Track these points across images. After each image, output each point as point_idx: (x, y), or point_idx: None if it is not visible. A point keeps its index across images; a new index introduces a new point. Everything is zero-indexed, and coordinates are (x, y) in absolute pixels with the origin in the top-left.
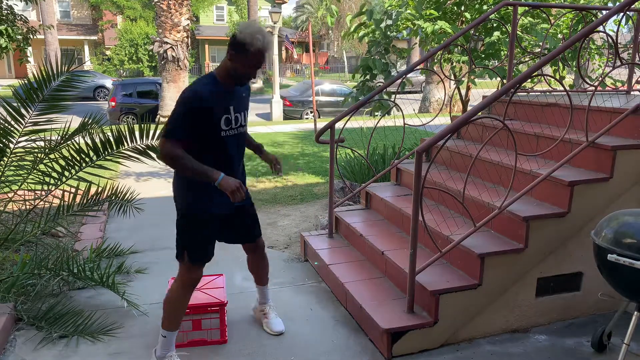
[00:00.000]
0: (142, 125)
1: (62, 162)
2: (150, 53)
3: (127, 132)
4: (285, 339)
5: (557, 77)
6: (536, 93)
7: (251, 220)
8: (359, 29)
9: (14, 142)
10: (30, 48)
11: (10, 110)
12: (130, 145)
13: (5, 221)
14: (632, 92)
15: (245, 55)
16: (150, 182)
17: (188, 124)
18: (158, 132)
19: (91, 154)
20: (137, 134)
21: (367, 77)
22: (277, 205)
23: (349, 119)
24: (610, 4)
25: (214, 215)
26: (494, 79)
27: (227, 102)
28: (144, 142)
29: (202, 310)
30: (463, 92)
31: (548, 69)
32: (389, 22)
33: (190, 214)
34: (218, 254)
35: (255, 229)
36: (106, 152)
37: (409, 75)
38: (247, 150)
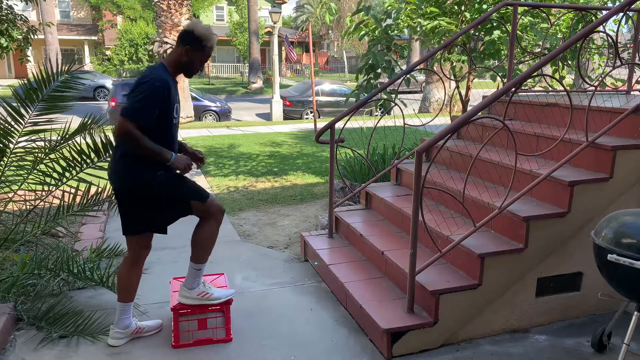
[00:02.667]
0: None
1: (63, 163)
2: (150, 53)
3: None
4: (285, 339)
5: (557, 77)
6: (536, 93)
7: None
8: (359, 27)
9: (14, 142)
10: (30, 48)
11: (10, 110)
12: None
13: (5, 221)
14: (632, 92)
15: (202, 50)
16: None
17: (153, 109)
18: None
19: (92, 155)
20: None
21: (371, 75)
22: (277, 205)
23: (349, 119)
24: (610, 4)
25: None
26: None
27: (175, 93)
28: None
29: (206, 310)
30: (463, 92)
31: (548, 69)
32: (389, 21)
33: (144, 188)
34: (218, 254)
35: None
36: (107, 154)
37: (412, 74)
38: (247, 150)
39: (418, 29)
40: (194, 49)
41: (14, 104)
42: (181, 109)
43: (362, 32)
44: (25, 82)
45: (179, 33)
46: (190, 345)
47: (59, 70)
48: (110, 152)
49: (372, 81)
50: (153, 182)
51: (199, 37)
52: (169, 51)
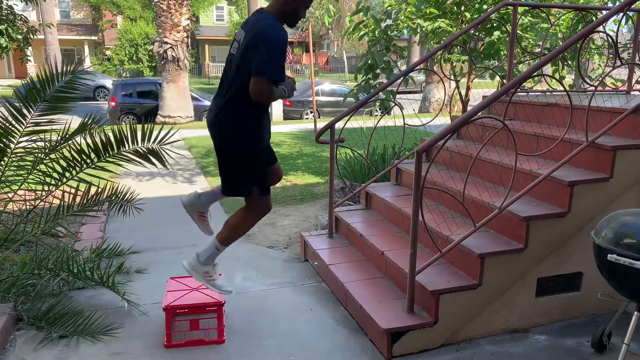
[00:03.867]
0: (144, 127)
1: (63, 163)
2: (150, 53)
3: (128, 134)
4: (285, 339)
5: (557, 77)
6: (536, 93)
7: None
8: (358, 28)
9: (15, 142)
10: (30, 48)
11: (12, 110)
12: (131, 147)
13: (5, 221)
14: (632, 92)
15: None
16: (150, 182)
17: (284, 62)
18: (161, 136)
19: (92, 155)
20: (139, 134)
21: (370, 75)
22: (277, 205)
23: (349, 119)
24: (610, 4)
25: (267, 152)
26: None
27: None
28: (145, 145)
29: (199, 310)
30: (463, 92)
31: (548, 69)
32: (389, 21)
33: (253, 151)
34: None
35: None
36: (107, 154)
37: (411, 75)
38: None
39: (418, 30)
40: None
41: (16, 104)
42: (181, 109)
43: (362, 32)
44: (28, 82)
45: None
46: (182, 345)
47: (63, 70)
48: (111, 152)
49: (370, 81)
50: (254, 142)
51: None
52: (168, 51)
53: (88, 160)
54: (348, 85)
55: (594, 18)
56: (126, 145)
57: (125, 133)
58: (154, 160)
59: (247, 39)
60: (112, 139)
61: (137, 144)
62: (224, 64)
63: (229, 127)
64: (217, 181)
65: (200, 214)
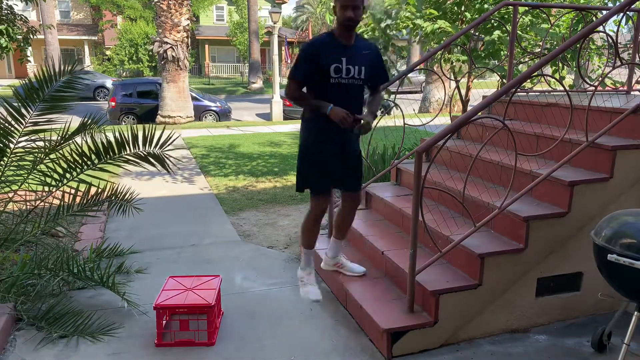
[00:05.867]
0: (145, 129)
1: (64, 165)
2: (150, 53)
3: (129, 136)
4: (285, 339)
5: (557, 77)
6: (536, 93)
7: (353, 171)
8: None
9: (14, 142)
10: (30, 48)
11: (11, 110)
12: (132, 151)
13: (5, 221)
14: (632, 92)
15: (336, 1)
16: (150, 181)
17: (304, 66)
18: (162, 139)
19: (93, 157)
20: (139, 134)
21: None
22: (277, 205)
23: None
24: (610, 4)
25: (323, 156)
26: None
27: (339, 53)
28: (147, 149)
29: (188, 311)
30: (463, 92)
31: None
32: (389, 21)
33: (305, 153)
34: (218, 254)
35: (353, 181)
36: (108, 156)
37: (409, 75)
38: (247, 150)
39: (418, 31)
40: (333, 5)
41: (15, 104)
42: (181, 109)
43: (361, 30)
44: (27, 82)
45: None
46: (171, 345)
47: (62, 70)
48: (111, 154)
49: None
50: (307, 143)
51: None
52: (168, 51)
53: (89, 162)
54: None
55: (594, 18)
56: (128, 149)
57: (127, 137)
58: (155, 163)
59: None
60: (113, 142)
61: (139, 148)
62: (224, 64)
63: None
64: (217, 181)
65: (336, 265)
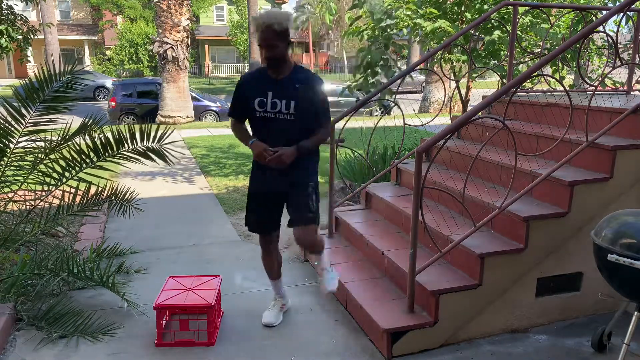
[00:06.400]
0: (143, 126)
1: (63, 163)
2: (150, 53)
3: (127, 134)
4: (285, 339)
5: (557, 77)
6: (536, 93)
7: (293, 207)
8: (355, 23)
9: (14, 142)
10: (30, 48)
11: (11, 110)
12: (130, 147)
13: (5, 221)
14: (632, 92)
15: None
16: (150, 182)
17: (233, 101)
18: (159, 133)
19: (91, 155)
20: (137, 134)
21: (368, 72)
22: None
23: (349, 119)
24: (610, 4)
25: (253, 191)
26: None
27: (266, 86)
28: (144, 144)
29: (188, 311)
30: (463, 92)
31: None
32: (389, 21)
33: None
34: (218, 254)
35: (294, 216)
36: (106, 154)
37: (411, 73)
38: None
39: (418, 31)
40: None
41: (15, 104)
42: (181, 109)
43: (361, 29)
44: (27, 82)
45: None
46: (171, 345)
47: (62, 70)
48: (110, 151)
49: (368, 79)
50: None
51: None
52: (168, 51)
53: (87, 160)
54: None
55: (594, 18)
56: (126, 145)
57: (125, 134)
58: (153, 156)
59: None
60: (111, 139)
61: (137, 144)
62: (224, 64)
63: None
64: (217, 181)
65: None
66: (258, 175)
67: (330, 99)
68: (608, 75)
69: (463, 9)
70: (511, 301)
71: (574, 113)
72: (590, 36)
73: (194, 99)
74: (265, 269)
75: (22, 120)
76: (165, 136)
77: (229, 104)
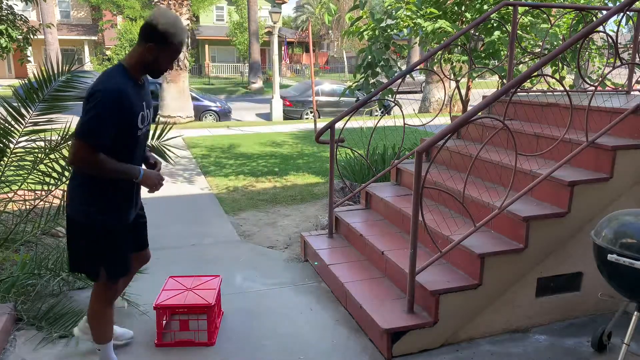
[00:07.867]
0: None
1: (63, 163)
2: None
3: None
4: (285, 339)
5: (557, 77)
6: (536, 93)
7: (144, 228)
8: (356, 24)
9: (14, 142)
10: (30, 48)
11: (11, 110)
12: None
13: (5, 221)
14: (632, 92)
15: (168, 47)
16: None
17: (111, 124)
18: (157, 132)
19: None
20: None
21: (369, 72)
22: (277, 205)
23: (349, 119)
24: (610, 4)
25: (128, 224)
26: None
27: (141, 97)
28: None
29: (188, 311)
30: (463, 92)
31: (548, 69)
32: (390, 21)
33: (101, 227)
34: (218, 254)
35: (143, 241)
36: None
37: (412, 73)
38: (247, 150)
39: (419, 31)
40: (158, 47)
41: (15, 104)
42: (181, 109)
43: (362, 30)
44: (26, 82)
45: (140, 27)
46: (171, 345)
47: (60, 70)
48: None
49: (369, 79)
50: (98, 221)
51: (163, 31)
52: None
53: None
54: (348, 85)
55: (594, 18)
56: None
57: None
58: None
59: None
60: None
61: None
62: (224, 64)
63: (73, 196)
64: (217, 181)
65: None
66: (129, 207)
67: (330, 99)
68: (608, 77)
69: (463, 9)
70: (511, 301)
71: (574, 113)
72: (590, 36)
73: (194, 99)
74: (108, 325)
75: (21, 120)
76: (165, 132)
77: (228, 105)
